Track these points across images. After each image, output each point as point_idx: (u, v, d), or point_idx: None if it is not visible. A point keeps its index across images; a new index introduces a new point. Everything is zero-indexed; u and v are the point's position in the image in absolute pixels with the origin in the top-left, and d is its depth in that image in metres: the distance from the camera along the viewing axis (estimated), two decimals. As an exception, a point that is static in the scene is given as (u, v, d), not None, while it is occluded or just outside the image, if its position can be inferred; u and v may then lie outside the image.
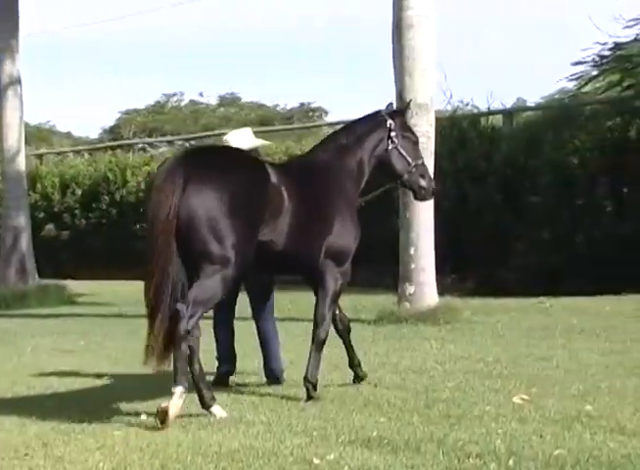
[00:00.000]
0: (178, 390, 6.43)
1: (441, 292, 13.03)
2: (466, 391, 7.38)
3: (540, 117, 18.03)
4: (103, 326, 13.19)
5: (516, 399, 6.90)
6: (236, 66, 79.78)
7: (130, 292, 18.34)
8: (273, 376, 8.19)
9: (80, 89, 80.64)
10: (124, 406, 7.12)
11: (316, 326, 7.37)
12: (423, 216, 12.62)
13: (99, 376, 8.71)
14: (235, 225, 6.55)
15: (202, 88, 67.14)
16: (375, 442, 5.76)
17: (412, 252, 12.59)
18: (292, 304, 14.72)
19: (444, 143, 15.73)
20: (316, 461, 5.36)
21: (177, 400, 6.41)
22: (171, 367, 6.60)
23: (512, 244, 16.10)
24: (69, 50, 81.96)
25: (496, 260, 16.12)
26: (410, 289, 12.61)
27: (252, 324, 8.40)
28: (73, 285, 18.72)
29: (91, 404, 7.23)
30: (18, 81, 17.95)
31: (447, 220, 14.58)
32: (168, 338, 6.50)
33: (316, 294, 7.43)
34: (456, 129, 17.24)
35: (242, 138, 8.23)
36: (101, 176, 23.35)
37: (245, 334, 8.61)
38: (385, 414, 6.56)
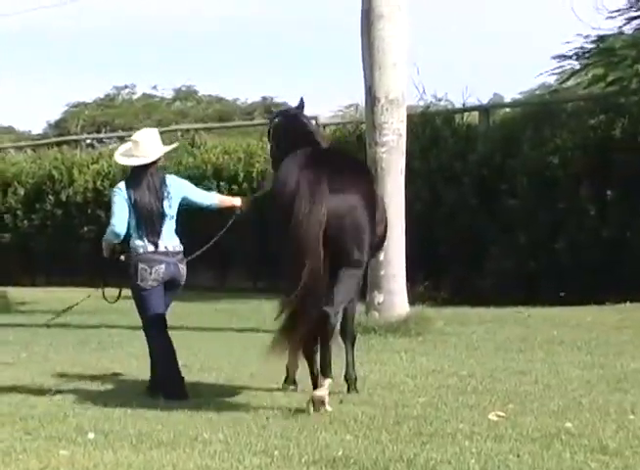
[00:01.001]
0: (328, 381, 7.44)
1: (413, 300, 13.07)
2: (438, 407, 7.42)
3: (519, 115, 18.13)
4: (47, 337, 13.11)
5: (491, 416, 6.95)
6: (193, 57, 79.57)
7: (76, 300, 18.25)
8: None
9: (23, 81, 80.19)
10: (70, 424, 7.09)
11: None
12: (393, 219, 12.62)
13: (42, 391, 8.65)
14: (370, 229, 7.47)
15: (156, 81, 67.01)
16: (340, 462, 5.78)
17: (381, 257, 12.57)
18: (251, 313, 14.74)
19: (416, 141, 15.81)
20: (277, 482, 5.38)
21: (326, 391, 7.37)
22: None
23: (488, 249, 16.17)
24: (10, 38, 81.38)
25: (471, 266, 16.20)
26: (379, 297, 12.62)
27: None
28: (15, 292, 18.60)
29: (34, 422, 7.20)
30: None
31: (420, 224, 14.62)
32: (307, 336, 7.33)
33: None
34: (429, 127, 17.31)
35: (151, 140, 8.44)
36: (45, 175, 23.22)
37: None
38: (351, 432, 6.58)
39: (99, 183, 21.90)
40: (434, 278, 16.47)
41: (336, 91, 69.04)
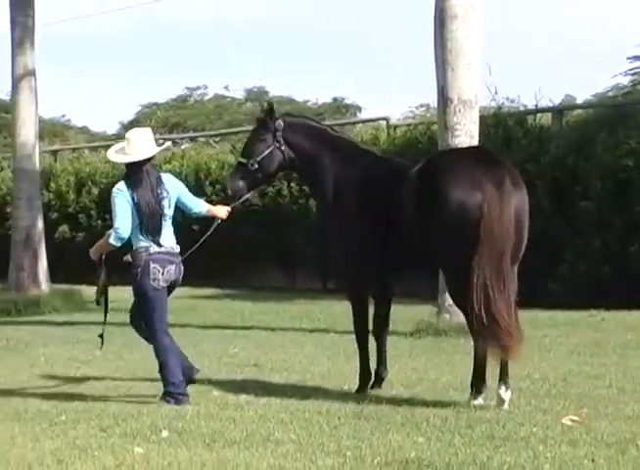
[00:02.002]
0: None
1: (484, 303, 12.98)
2: (511, 410, 7.37)
3: (592, 116, 17.92)
4: (120, 335, 13.21)
5: (565, 421, 6.89)
6: (265, 58, 79.88)
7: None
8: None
9: (98, 82, 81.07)
10: (144, 422, 7.15)
11: None
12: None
13: (117, 389, 8.75)
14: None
15: (227, 82, 67.40)
16: (413, 464, 5.77)
17: (454, 260, 12.55)
18: (322, 314, 14.79)
19: (488, 143, 15.68)
20: (351, 483, 5.39)
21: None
22: None
23: (561, 252, 16.01)
24: (86, 41, 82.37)
25: (544, 269, 16.04)
26: (450, 300, 12.57)
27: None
28: (88, 291, 18.80)
29: (109, 419, 7.28)
30: (32, 74, 18.08)
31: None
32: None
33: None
34: (501, 128, 17.17)
35: (144, 139, 8.22)
36: (119, 175, 23.41)
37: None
38: (423, 434, 6.57)
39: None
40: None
41: (407, 92, 68.87)
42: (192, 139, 28.92)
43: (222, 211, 8.60)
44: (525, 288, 15.97)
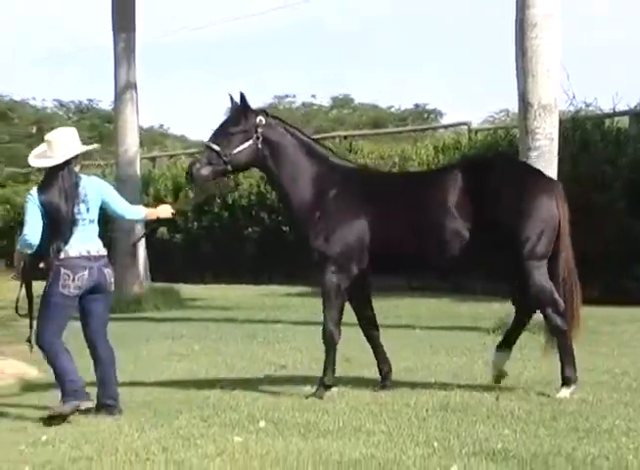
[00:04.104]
0: None
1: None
2: (593, 403, 7.27)
3: (669, 119, 17.58)
4: (216, 330, 13.35)
5: (647, 413, 6.77)
6: (350, 67, 79.97)
7: (241, 296, 18.61)
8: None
9: (194, 91, 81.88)
10: (242, 412, 7.19)
11: None
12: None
13: (215, 381, 8.81)
14: None
15: (314, 90, 67.56)
16: (500, 454, 5.72)
17: (533, 258, 12.44)
18: (406, 310, 14.73)
19: (566, 146, 15.50)
20: (416, 471, 5.36)
21: None
22: None
23: (638, 252, 15.75)
24: (183, 52, 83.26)
25: (621, 268, 15.80)
26: (532, 297, 12.46)
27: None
28: (186, 289, 19.02)
29: (209, 410, 7.33)
30: (133, 86, 18.32)
31: (570, 227, 14.33)
32: None
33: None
34: (579, 131, 16.95)
35: (66, 140, 7.53)
36: (211, 179, 23.60)
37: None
38: (509, 426, 6.51)
39: (262, 187, 22.17)
40: (583, 279, 16.12)
41: (486, 97, 68.41)
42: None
43: (165, 212, 8.05)
44: (603, 286, 15.94)
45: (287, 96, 49.23)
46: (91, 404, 7.36)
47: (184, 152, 30.58)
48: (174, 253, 23.42)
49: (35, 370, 9.81)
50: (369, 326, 8.51)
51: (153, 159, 27.84)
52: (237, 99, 8.26)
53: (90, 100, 48.41)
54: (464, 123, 21.51)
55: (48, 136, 7.58)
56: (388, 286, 19.17)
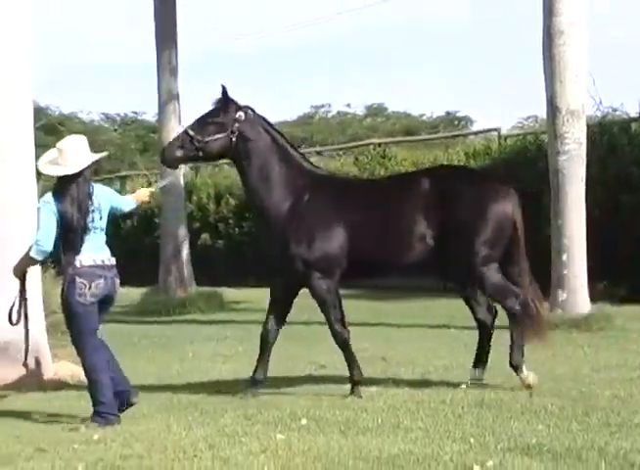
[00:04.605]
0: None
1: (593, 299, 12.78)
2: (624, 399, 7.21)
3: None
4: (258, 332, 13.35)
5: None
6: (383, 76, 79.87)
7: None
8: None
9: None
10: (285, 410, 7.19)
11: None
12: (575, 223, 12.44)
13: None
14: None
15: (349, 100, 67.59)
16: (535, 449, 5.68)
17: (564, 258, 12.42)
18: (441, 311, 14.70)
19: (594, 150, 15.40)
20: (476, 468, 5.33)
21: None
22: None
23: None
24: (221, 62, 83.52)
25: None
26: (562, 295, 12.44)
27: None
28: (229, 292, 19.07)
29: (252, 408, 7.34)
30: (176, 97, 18.41)
31: (599, 228, 14.25)
32: None
33: None
34: (606, 135, 16.83)
35: (78, 149, 7.32)
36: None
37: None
38: (542, 422, 6.47)
39: (301, 194, 22.21)
40: (612, 278, 16.02)
41: (515, 104, 68.05)
42: (318, 153, 29.06)
43: (145, 195, 7.93)
44: (631, 285, 15.79)
45: (323, 105, 49.27)
46: (117, 424, 7.08)
47: (225, 161, 30.65)
48: (217, 258, 23.47)
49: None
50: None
51: (195, 168, 27.91)
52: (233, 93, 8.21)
53: (135, 112, 48.71)
54: (494, 129, 21.43)
55: (59, 144, 7.36)
56: (421, 287, 19.17)
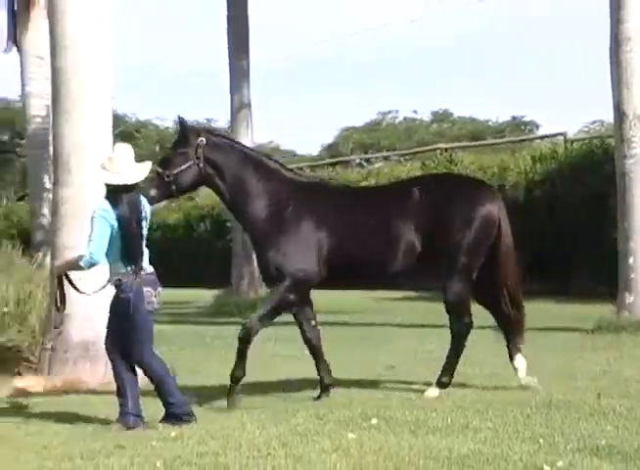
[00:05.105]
0: None
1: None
2: (691, 400, 7.08)
3: None
4: (327, 333, 13.35)
5: None
6: (449, 82, 79.54)
7: (349, 301, 18.60)
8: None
9: (303, 109, 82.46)
10: (355, 410, 7.18)
11: None
12: (641, 227, 12.29)
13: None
14: None
15: (415, 106, 67.44)
16: (604, 450, 5.61)
17: (631, 261, 12.25)
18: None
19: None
20: (546, 468, 5.28)
21: None
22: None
23: None
24: (290, 70, 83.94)
25: None
26: (629, 298, 12.28)
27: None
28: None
29: (324, 408, 7.35)
30: (248, 106, 18.56)
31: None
32: None
33: None
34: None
35: (129, 157, 7.20)
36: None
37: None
38: (611, 423, 6.38)
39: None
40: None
41: (581, 108, 67.39)
42: (385, 158, 29.06)
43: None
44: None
45: (390, 112, 49.24)
46: (193, 422, 7.04)
47: (293, 167, 30.78)
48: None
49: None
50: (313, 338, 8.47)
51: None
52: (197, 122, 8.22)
53: (208, 119, 49.18)
54: (560, 134, 21.26)
55: (113, 153, 7.24)
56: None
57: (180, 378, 9.38)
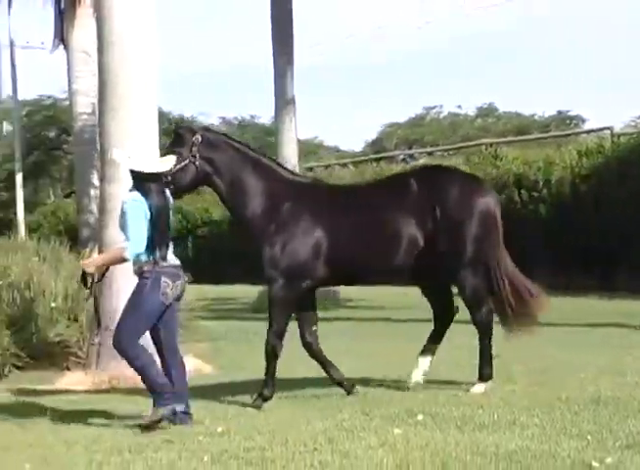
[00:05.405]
0: None
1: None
2: None
3: None
4: (371, 328, 13.40)
5: None
6: (494, 76, 79.01)
7: (391, 296, 18.56)
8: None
9: (347, 105, 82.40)
10: (401, 406, 7.18)
11: None
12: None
13: (370, 379, 8.79)
14: None
15: (460, 101, 67.14)
16: (654, 448, 5.55)
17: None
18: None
19: None
20: (595, 464, 5.23)
21: None
22: None
23: None
24: (335, 67, 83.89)
25: None
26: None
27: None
28: (344, 290, 19.10)
29: (369, 404, 7.35)
30: (292, 102, 18.59)
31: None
32: None
33: None
34: None
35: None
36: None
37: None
38: (660, 420, 6.32)
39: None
40: None
41: (628, 103, 66.62)
42: (429, 154, 28.97)
43: None
44: None
45: (434, 107, 49.03)
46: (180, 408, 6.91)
47: (337, 162, 30.82)
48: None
49: (210, 367, 10.05)
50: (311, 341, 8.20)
51: (310, 169, 28.13)
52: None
53: (252, 116, 49.37)
54: (607, 128, 21.06)
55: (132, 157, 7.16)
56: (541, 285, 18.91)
57: (227, 374, 9.47)
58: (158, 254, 6.89)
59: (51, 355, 10.70)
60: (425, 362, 8.23)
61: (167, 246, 6.99)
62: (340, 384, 8.10)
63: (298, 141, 20.11)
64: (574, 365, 9.03)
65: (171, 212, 7.17)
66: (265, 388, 7.78)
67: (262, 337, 7.96)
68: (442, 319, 8.30)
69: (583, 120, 43.57)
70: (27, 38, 35.43)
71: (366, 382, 8.54)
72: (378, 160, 28.31)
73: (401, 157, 29.97)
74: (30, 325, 10.76)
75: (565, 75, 77.05)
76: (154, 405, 6.89)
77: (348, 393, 7.99)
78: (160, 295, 6.89)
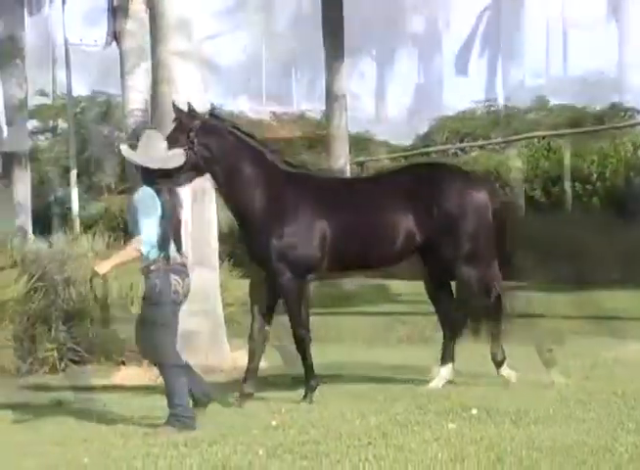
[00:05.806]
0: None
1: None
2: None
3: None
4: (422, 323, 13.32)
5: None
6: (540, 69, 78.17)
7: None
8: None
9: (397, 97, 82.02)
10: (454, 400, 7.15)
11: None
12: None
13: (425, 371, 8.75)
14: None
15: (510, 94, 66.54)
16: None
17: None
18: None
19: None
20: (653, 460, 5.18)
21: None
22: None
23: None
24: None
25: None
26: None
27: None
28: (395, 284, 19.07)
29: (423, 398, 7.34)
30: (343, 97, 18.63)
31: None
32: None
33: None
34: None
35: (159, 140, 6.98)
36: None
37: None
38: None
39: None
40: None
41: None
42: (481, 147, 28.76)
43: None
44: None
45: (486, 100, 48.59)
46: (192, 428, 6.61)
47: (387, 156, 30.74)
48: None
49: (263, 361, 10.06)
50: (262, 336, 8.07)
51: (361, 164, 28.08)
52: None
53: (301, 110, 49.42)
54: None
55: (146, 140, 6.95)
56: (589, 281, 18.72)
57: (280, 369, 9.50)
58: (167, 251, 6.71)
59: (107, 351, 10.82)
60: (447, 371, 8.21)
61: (179, 243, 6.81)
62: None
63: (349, 135, 20.14)
64: (630, 360, 8.95)
65: (182, 208, 7.04)
66: (309, 379, 7.86)
67: (312, 333, 8.00)
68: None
69: (638, 112, 42.97)
70: (81, 36, 35.77)
71: (420, 377, 8.53)
72: (428, 154, 28.17)
73: (452, 150, 29.76)
74: (86, 320, 10.89)
75: (617, 68, 76.04)
76: (167, 422, 6.68)
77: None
78: (172, 293, 6.70)
